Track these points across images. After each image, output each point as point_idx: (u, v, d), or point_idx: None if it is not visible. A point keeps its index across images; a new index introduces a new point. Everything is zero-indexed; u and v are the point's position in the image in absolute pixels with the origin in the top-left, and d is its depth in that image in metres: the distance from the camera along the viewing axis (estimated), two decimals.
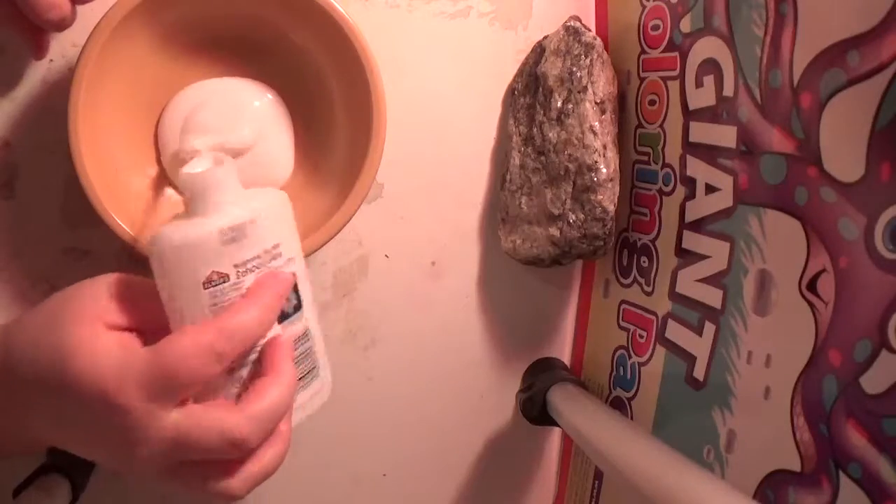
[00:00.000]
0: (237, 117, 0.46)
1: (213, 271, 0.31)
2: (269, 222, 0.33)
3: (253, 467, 0.32)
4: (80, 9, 0.40)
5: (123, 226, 0.42)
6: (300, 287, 0.35)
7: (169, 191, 0.47)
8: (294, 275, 0.34)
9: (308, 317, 0.35)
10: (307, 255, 0.46)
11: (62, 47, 0.45)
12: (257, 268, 0.32)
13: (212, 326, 0.30)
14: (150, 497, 0.53)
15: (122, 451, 0.30)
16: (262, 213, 0.33)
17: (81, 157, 0.40)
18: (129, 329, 0.31)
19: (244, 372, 0.33)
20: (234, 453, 0.30)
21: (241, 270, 0.32)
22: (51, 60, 0.45)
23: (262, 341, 0.33)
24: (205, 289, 0.31)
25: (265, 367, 0.32)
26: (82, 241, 0.48)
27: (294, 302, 0.34)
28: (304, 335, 0.35)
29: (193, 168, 0.32)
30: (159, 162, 0.47)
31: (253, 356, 0.33)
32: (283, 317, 0.34)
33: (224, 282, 0.31)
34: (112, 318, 0.31)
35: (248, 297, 0.31)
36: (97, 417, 0.29)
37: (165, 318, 0.32)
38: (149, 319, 0.32)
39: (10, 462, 0.46)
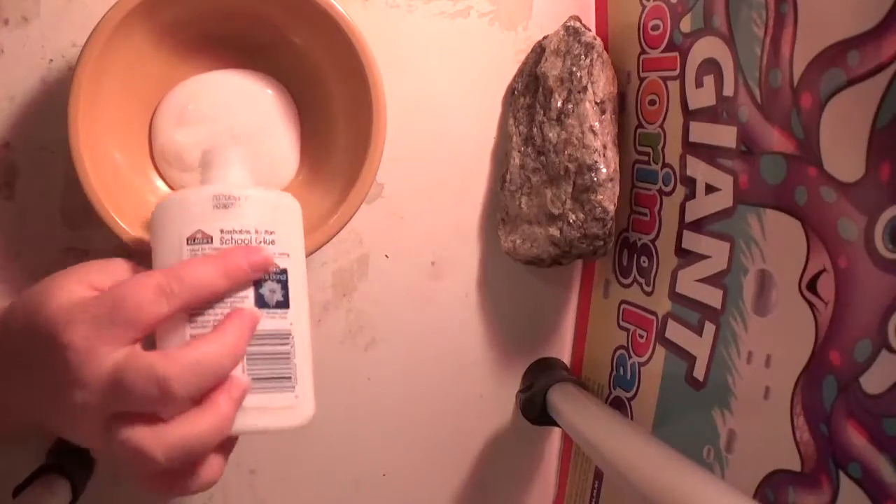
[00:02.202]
0: (234, 107, 0.46)
1: (198, 230, 0.32)
2: (267, 209, 0.34)
3: (173, 431, 0.29)
4: (80, 8, 0.40)
5: (123, 226, 0.42)
6: (291, 287, 0.34)
7: (166, 189, 0.47)
8: (282, 270, 0.34)
9: (294, 322, 0.34)
10: (307, 255, 0.46)
11: (62, 47, 0.45)
12: (244, 241, 0.32)
13: (164, 269, 0.31)
14: (150, 497, 0.53)
15: (59, 395, 0.29)
16: (260, 197, 0.34)
17: (81, 157, 0.40)
18: None
19: (202, 334, 0.32)
20: (160, 400, 0.29)
21: (225, 237, 0.32)
22: (51, 60, 0.45)
23: (228, 305, 0.32)
24: (187, 244, 0.32)
25: (215, 329, 0.31)
26: (82, 241, 0.48)
27: (278, 297, 0.33)
28: (283, 336, 0.34)
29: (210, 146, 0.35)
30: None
31: (213, 323, 0.32)
32: (261, 304, 0.33)
33: (207, 242, 0.32)
34: (95, 282, 0.31)
35: (213, 254, 0.32)
36: (41, 356, 0.29)
37: None
38: None
39: (10, 462, 0.47)
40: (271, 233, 0.33)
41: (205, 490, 0.32)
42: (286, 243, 0.34)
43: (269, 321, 0.33)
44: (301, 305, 0.35)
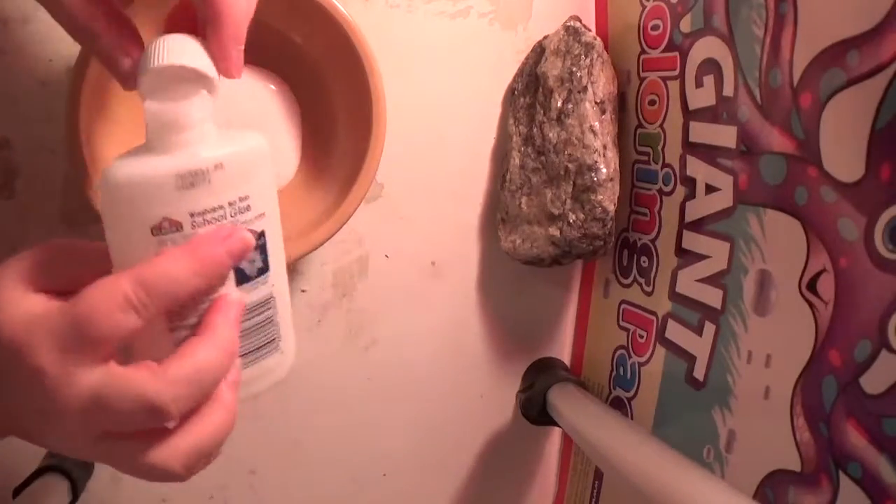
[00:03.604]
0: (235, 103, 0.46)
1: (164, 218, 0.27)
2: (239, 170, 0.29)
3: (185, 439, 0.28)
4: None
5: None
6: (269, 247, 0.30)
7: None
8: (260, 233, 0.30)
9: (275, 283, 0.31)
10: (307, 255, 0.46)
11: (62, 47, 0.45)
12: (218, 221, 0.28)
13: (130, 273, 0.26)
14: (151, 497, 0.53)
15: (38, 421, 0.27)
16: (232, 159, 0.28)
17: (81, 157, 0.40)
18: (64, 293, 0.28)
19: (185, 334, 0.29)
20: (153, 421, 0.27)
21: (196, 221, 0.28)
22: (50, 60, 0.45)
23: (209, 299, 0.29)
24: (153, 235, 0.27)
25: (200, 326, 0.29)
26: None
27: (259, 264, 0.30)
28: (266, 302, 0.31)
29: (163, 98, 0.28)
30: None
31: (195, 318, 0.29)
32: (242, 279, 0.30)
33: (176, 231, 0.27)
34: (41, 282, 0.28)
35: (185, 247, 0.28)
36: (13, 379, 0.26)
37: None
38: (89, 282, 0.27)
39: (10, 462, 0.47)
40: (245, 198, 0.29)
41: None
42: (261, 202, 0.30)
43: (253, 292, 0.30)
44: (278, 260, 0.32)
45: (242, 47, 0.31)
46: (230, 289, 0.29)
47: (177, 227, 0.27)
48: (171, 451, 0.27)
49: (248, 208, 0.29)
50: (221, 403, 0.29)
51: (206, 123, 0.29)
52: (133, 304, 0.26)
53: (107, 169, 0.27)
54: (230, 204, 0.29)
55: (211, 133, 0.29)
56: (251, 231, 0.29)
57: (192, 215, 0.28)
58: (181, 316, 0.28)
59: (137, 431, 0.27)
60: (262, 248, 0.30)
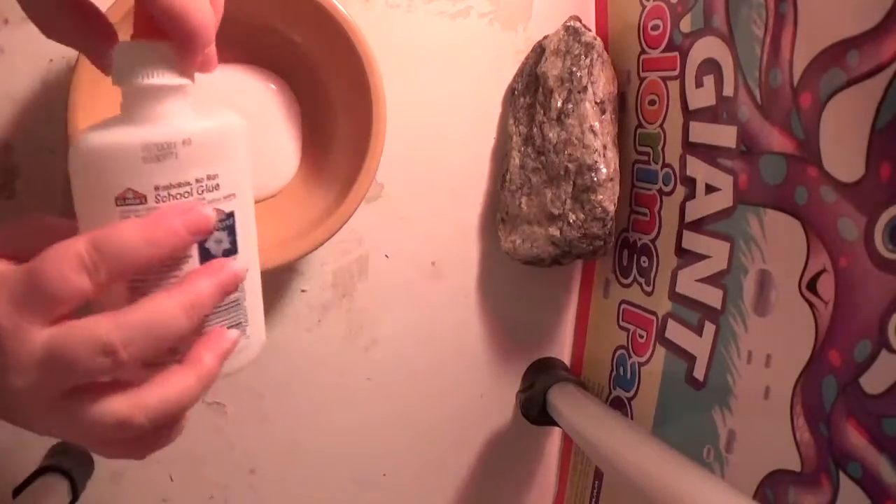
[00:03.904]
0: (235, 101, 0.46)
1: (128, 189, 0.27)
2: (209, 147, 0.28)
3: (150, 393, 0.27)
4: None
5: None
6: (239, 230, 0.30)
7: None
8: (228, 214, 0.30)
9: (243, 265, 0.31)
10: (307, 255, 0.46)
11: (62, 47, 0.45)
12: (183, 196, 0.28)
13: (85, 236, 0.27)
14: (151, 497, 0.53)
15: (1, 379, 0.27)
16: (202, 136, 0.28)
17: None
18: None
19: None
20: (107, 363, 0.26)
21: (161, 195, 0.27)
22: (50, 60, 0.45)
23: (174, 276, 0.29)
24: (117, 206, 0.27)
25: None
26: None
27: (226, 245, 0.30)
28: None
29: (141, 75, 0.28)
30: None
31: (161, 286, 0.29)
32: (207, 257, 0.29)
33: (140, 203, 0.27)
34: (10, 251, 0.28)
35: (145, 217, 0.27)
36: None
37: None
38: None
39: (11, 462, 0.47)
40: (214, 176, 0.29)
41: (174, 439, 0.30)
42: (232, 182, 0.30)
43: None
44: (249, 244, 0.31)
45: (213, 45, 0.30)
46: (192, 266, 0.29)
47: (141, 199, 0.27)
48: (135, 402, 0.27)
49: (216, 187, 0.29)
50: (195, 367, 0.28)
51: (181, 99, 0.29)
52: (85, 263, 0.26)
53: (77, 137, 0.27)
54: (197, 181, 0.28)
55: (185, 109, 0.29)
56: (218, 210, 0.29)
57: (156, 189, 0.27)
58: (143, 291, 0.28)
59: (98, 384, 0.27)
60: (229, 230, 0.30)
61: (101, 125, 0.28)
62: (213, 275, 0.29)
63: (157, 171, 0.27)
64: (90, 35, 0.32)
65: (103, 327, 0.26)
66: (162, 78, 0.28)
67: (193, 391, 0.28)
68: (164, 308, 0.27)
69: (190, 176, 0.28)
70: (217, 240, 0.29)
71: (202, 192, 0.28)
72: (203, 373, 0.28)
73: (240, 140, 0.30)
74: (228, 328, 0.30)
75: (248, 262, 0.31)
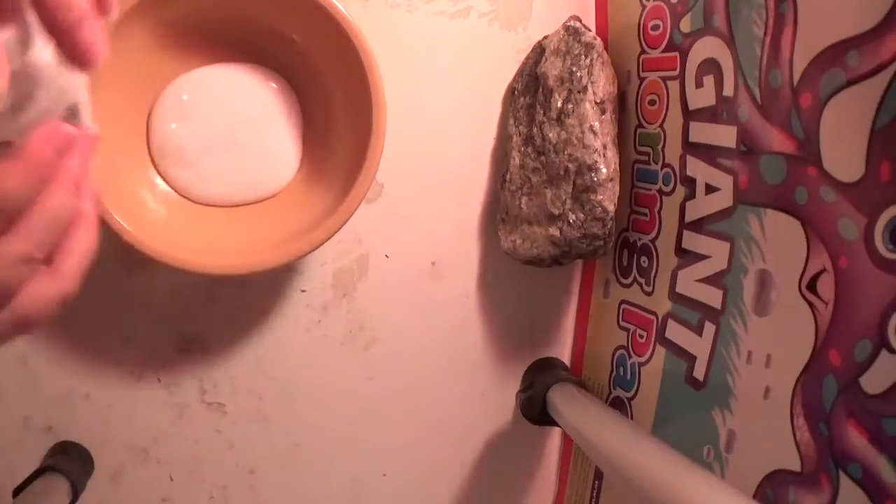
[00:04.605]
0: (235, 101, 0.46)
1: None
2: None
3: (34, 212, 0.26)
4: None
5: (121, 222, 0.42)
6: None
7: (165, 186, 0.47)
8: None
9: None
10: (307, 255, 0.46)
11: None
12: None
13: None
14: (151, 497, 0.53)
15: None
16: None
17: None
18: None
19: None
20: (28, 270, 0.26)
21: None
22: None
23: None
24: None
25: None
26: None
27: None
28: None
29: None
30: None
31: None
32: None
33: None
34: None
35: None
36: None
37: None
38: None
39: (10, 462, 0.47)
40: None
41: (31, 323, 0.28)
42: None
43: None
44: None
45: (95, 25, 0.28)
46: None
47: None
48: (24, 225, 0.26)
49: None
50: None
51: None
52: None
53: None
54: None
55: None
56: None
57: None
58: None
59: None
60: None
61: None
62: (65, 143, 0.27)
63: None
64: None
65: (14, 243, 0.26)
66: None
67: (66, 203, 0.27)
68: (54, 200, 0.27)
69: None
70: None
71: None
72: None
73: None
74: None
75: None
